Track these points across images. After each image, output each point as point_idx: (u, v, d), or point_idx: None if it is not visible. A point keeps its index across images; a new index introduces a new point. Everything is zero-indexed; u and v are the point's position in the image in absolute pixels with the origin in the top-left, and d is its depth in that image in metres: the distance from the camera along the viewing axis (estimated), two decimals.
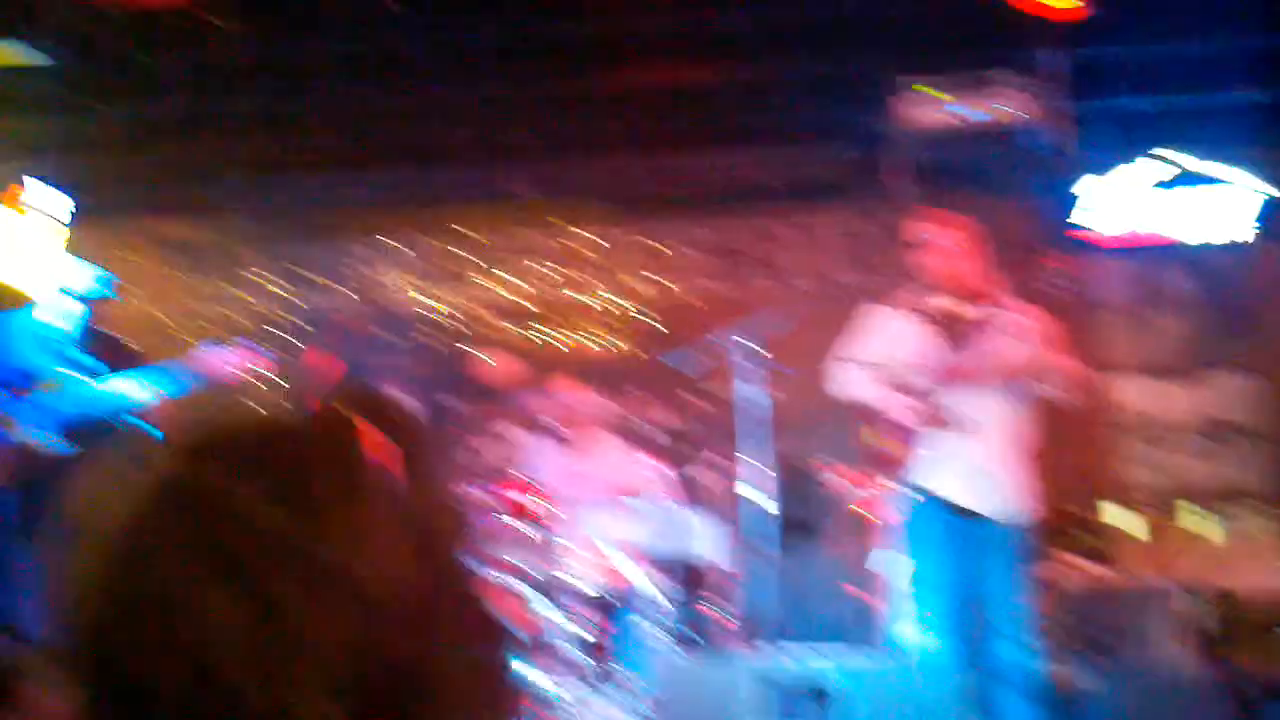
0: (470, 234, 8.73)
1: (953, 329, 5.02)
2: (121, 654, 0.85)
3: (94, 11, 6.06)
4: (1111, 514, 7.46)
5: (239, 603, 0.83)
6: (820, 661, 4.99)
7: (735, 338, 5.29)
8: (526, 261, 8.65)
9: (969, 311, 5.03)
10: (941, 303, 5.07)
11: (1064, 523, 6.95)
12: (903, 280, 5.28)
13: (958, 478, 4.94)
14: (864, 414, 5.32)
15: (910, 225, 5.19)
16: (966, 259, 5.07)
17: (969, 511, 4.93)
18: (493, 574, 5.58)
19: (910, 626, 5.02)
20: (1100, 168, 7.67)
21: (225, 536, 0.84)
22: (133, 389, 5.39)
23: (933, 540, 4.97)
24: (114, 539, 0.87)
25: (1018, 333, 4.92)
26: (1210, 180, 7.75)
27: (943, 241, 5.07)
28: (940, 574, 4.92)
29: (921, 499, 5.01)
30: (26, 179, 8.17)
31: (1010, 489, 4.98)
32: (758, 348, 5.31)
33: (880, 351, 5.16)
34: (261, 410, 1.01)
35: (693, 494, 6.25)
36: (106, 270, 5.76)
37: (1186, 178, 7.77)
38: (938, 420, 4.95)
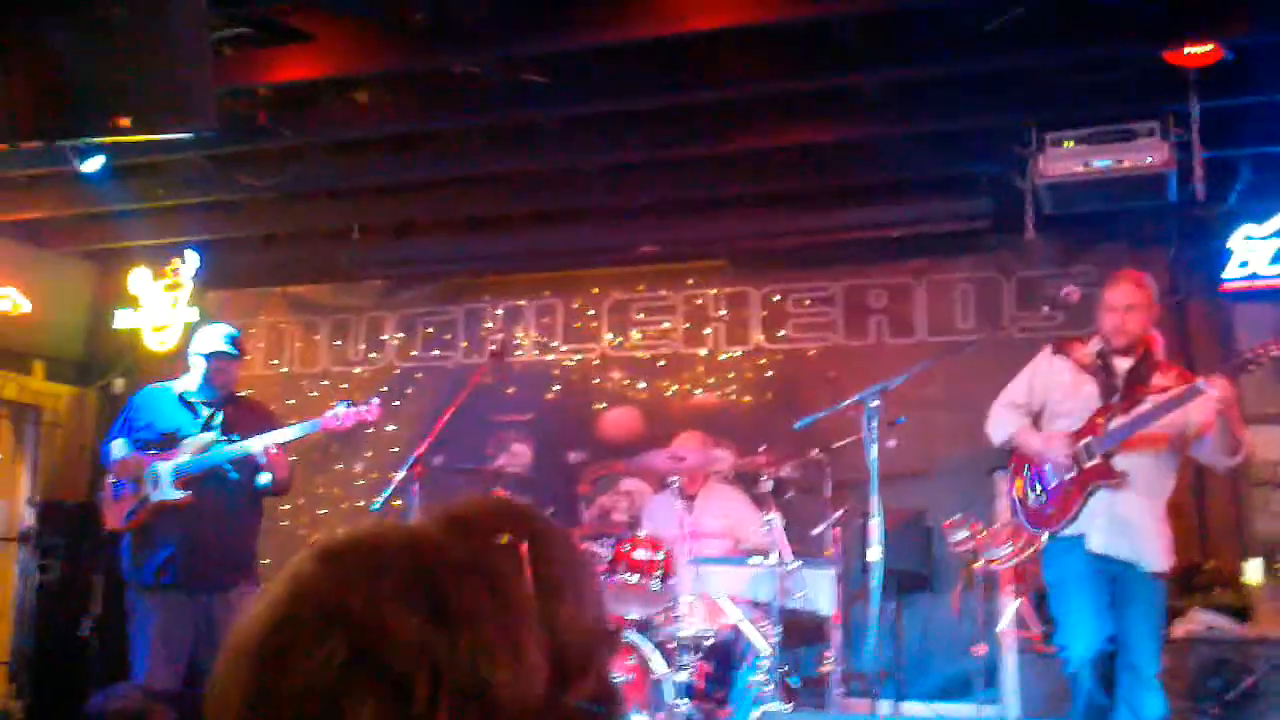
0: (601, 292, 8.81)
1: (1129, 389, 4.99)
2: None
3: (239, 89, 6.32)
4: (1250, 568, 7.23)
5: (383, 712, 0.85)
6: (932, 715, 4.95)
7: (861, 395, 5.29)
8: (655, 318, 8.71)
9: (1150, 376, 5.00)
10: (1122, 362, 5.06)
11: (1201, 578, 6.77)
12: (1074, 332, 5.25)
13: (1105, 528, 4.90)
14: (1015, 461, 5.30)
15: (1109, 283, 5.15)
16: (1151, 320, 5.07)
17: (1112, 559, 4.88)
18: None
19: (1031, 678, 4.95)
20: (1246, 216, 7.48)
21: (369, 649, 0.87)
22: (262, 446, 5.56)
23: (1072, 587, 4.94)
24: (260, 644, 0.91)
25: (1196, 401, 4.83)
26: None
27: (1128, 300, 5.04)
28: (1077, 622, 4.87)
29: (1064, 545, 4.98)
30: (182, 256, 8.56)
31: (1156, 543, 4.93)
32: (883, 403, 5.30)
33: (1043, 398, 5.18)
34: (408, 523, 1.04)
35: (810, 548, 6.24)
36: (246, 332, 5.97)
37: None
38: (1093, 473, 4.90)
